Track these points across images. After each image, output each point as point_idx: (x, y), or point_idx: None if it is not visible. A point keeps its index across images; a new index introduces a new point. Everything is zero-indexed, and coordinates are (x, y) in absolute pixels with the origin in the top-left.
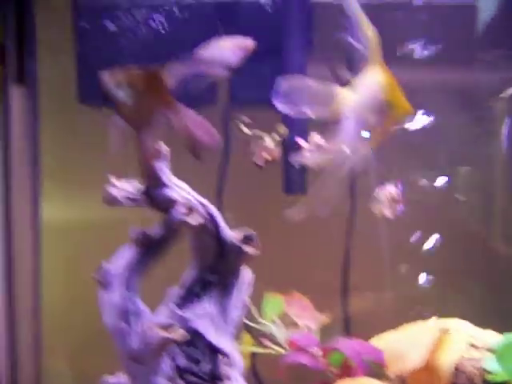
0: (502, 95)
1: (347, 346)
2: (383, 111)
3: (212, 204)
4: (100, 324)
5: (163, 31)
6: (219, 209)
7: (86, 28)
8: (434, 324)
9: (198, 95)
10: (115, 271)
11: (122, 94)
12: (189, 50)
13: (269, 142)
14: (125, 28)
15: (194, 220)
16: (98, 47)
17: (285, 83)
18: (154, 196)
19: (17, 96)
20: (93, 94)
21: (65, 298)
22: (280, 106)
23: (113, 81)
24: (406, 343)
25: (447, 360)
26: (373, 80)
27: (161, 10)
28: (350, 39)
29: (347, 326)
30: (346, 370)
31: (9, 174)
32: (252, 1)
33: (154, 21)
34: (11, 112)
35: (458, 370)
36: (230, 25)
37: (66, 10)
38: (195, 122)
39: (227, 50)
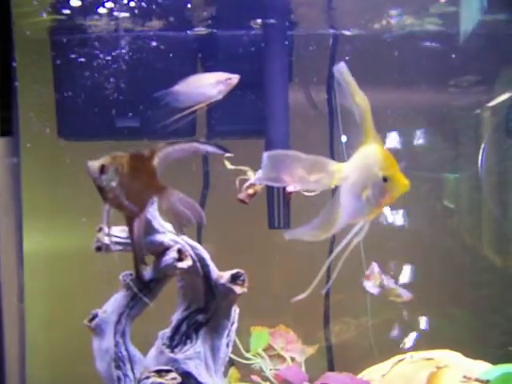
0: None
1: (338, 380)
2: (380, 187)
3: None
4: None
5: (143, 65)
6: (199, 242)
7: (62, 65)
8: (426, 357)
9: (177, 128)
10: (107, 318)
11: (108, 182)
12: (167, 82)
13: (252, 176)
14: (101, 63)
15: (185, 264)
16: (74, 83)
17: (268, 158)
18: (145, 241)
19: (1, 147)
20: (72, 129)
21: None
22: (262, 180)
23: (98, 169)
24: (400, 379)
25: None
26: (369, 155)
27: (140, 43)
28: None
29: (330, 357)
30: None
31: None
32: (229, 34)
33: (133, 55)
34: None
35: None
36: (209, 58)
37: (45, 52)
38: (181, 202)
39: (209, 85)
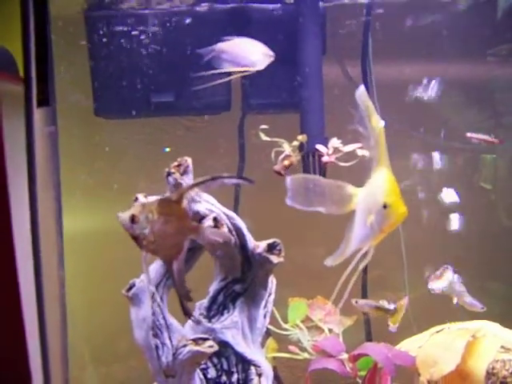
0: None
1: (376, 351)
2: (381, 214)
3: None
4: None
5: (176, 40)
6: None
7: (99, 43)
8: (464, 327)
9: (212, 103)
10: (144, 287)
11: (141, 230)
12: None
13: (287, 148)
14: (137, 40)
15: (221, 234)
16: (110, 61)
17: (291, 181)
18: None
19: (39, 118)
20: (108, 107)
21: (87, 305)
22: (290, 202)
23: (129, 219)
24: (437, 348)
25: (479, 364)
26: (377, 181)
27: (173, 18)
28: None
29: (368, 328)
30: (374, 376)
31: (34, 189)
32: (262, 7)
33: (167, 30)
34: (34, 133)
35: (490, 373)
36: (242, 32)
37: (79, 28)
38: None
39: (254, 51)
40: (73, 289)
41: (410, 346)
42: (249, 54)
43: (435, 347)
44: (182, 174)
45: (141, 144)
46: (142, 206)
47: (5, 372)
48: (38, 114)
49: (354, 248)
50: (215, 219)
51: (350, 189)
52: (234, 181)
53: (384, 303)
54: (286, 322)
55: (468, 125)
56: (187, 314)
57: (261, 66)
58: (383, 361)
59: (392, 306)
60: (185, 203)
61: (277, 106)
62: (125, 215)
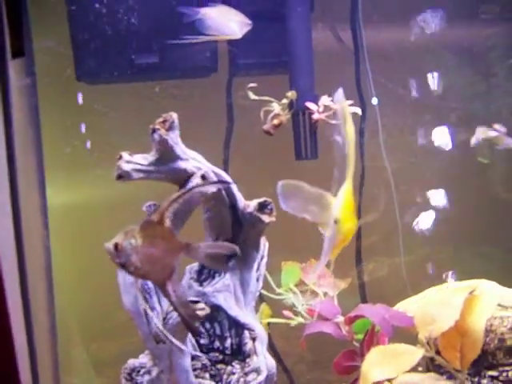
0: None
1: (373, 312)
2: (333, 228)
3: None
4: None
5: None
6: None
7: (79, 3)
8: (461, 285)
9: (199, 65)
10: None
11: (126, 258)
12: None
13: (277, 107)
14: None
15: (210, 190)
16: (91, 22)
17: (281, 188)
18: (167, 169)
19: (15, 71)
20: (90, 71)
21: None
22: (285, 208)
23: (113, 248)
24: (435, 305)
25: (478, 320)
26: (338, 194)
27: None
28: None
29: (363, 292)
30: (372, 338)
31: (12, 157)
32: None
33: None
34: (10, 89)
35: (488, 330)
36: None
37: None
38: (209, 247)
39: (237, 21)
40: (59, 259)
41: (407, 306)
42: (232, 24)
43: (433, 305)
44: (167, 130)
45: (126, 112)
46: (124, 233)
47: None
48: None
49: (325, 260)
50: (203, 177)
51: (329, 197)
52: (212, 188)
53: None
54: (279, 286)
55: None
56: (195, 334)
57: (239, 35)
58: (380, 322)
59: None
60: (167, 223)
61: (265, 65)
62: (109, 245)
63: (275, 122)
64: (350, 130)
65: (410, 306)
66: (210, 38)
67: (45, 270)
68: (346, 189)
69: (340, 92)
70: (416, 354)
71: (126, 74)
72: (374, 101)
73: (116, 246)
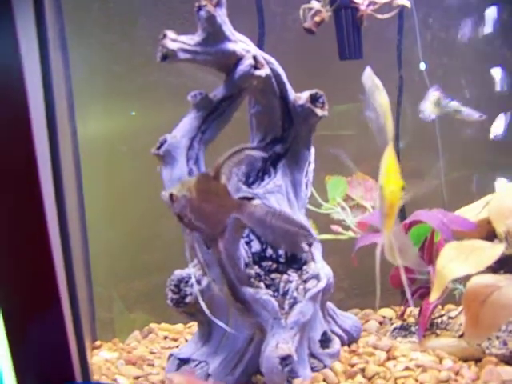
0: None
1: (431, 216)
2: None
3: None
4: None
5: None
6: None
7: None
8: None
9: None
10: (178, 143)
11: (181, 209)
12: None
13: (316, 4)
14: None
15: (263, 72)
16: None
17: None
18: (215, 50)
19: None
20: None
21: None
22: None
23: (172, 199)
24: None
25: None
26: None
27: None
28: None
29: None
30: (432, 244)
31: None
32: None
33: None
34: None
35: None
36: None
37: None
38: (262, 210)
39: None
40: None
41: (467, 214)
42: None
43: (510, 197)
44: (215, 6)
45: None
46: (181, 184)
47: (33, 286)
48: None
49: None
50: (255, 58)
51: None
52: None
53: None
54: (326, 201)
55: None
56: (242, 302)
57: None
58: (439, 226)
59: None
60: (223, 179)
61: None
62: (165, 195)
63: (316, 19)
64: (384, 101)
65: (470, 214)
66: None
67: (78, 210)
68: (388, 153)
69: (368, 70)
70: (497, 248)
71: None
72: (422, 66)
73: (171, 196)
